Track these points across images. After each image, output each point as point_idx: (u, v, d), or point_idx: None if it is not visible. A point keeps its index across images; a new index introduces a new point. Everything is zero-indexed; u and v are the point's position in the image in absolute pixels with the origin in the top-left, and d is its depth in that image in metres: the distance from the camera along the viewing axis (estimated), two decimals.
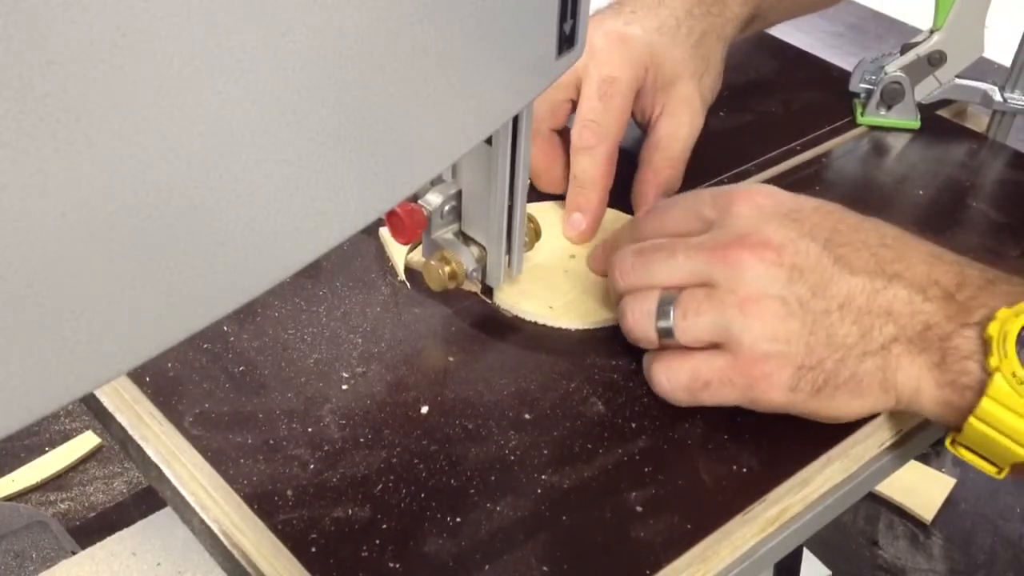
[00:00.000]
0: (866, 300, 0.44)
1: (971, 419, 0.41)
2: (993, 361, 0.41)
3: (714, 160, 0.64)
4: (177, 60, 0.26)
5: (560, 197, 0.59)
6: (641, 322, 0.47)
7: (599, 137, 0.56)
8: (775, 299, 0.44)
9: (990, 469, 0.43)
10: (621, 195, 0.59)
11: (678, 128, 0.59)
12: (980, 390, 0.41)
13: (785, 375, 0.44)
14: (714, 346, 0.45)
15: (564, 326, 0.52)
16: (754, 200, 0.47)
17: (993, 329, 0.41)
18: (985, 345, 0.41)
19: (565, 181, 0.58)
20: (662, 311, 0.46)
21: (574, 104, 0.58)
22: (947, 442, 0.44)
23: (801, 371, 0.44)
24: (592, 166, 0.56)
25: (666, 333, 0.46)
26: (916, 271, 0.44)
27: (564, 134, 0.60)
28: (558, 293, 0.54)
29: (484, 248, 0.51)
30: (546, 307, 0.53)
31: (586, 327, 0.52)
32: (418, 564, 0.41)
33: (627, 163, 0.59)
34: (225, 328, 0.51)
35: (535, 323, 0.52)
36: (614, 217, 0.59)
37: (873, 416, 0.47)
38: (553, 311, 0.52)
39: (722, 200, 0.48)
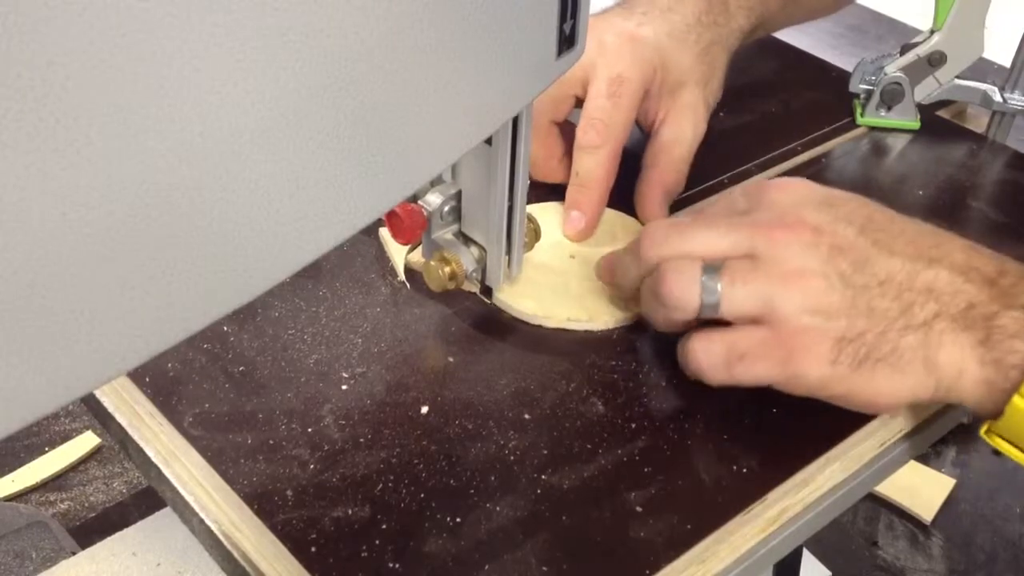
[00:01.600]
0: (907, 278, 0.44)
1: (1015, 398, 0.41)
2: None
3: (714, 160, 0.64)
4: (177, 60, 0.26)
5: (561, 196, 0.59)
6: (686, 288, 0.45)
7: (604, 137, 0.56)
8: (816, 274, 0.44)
9: None
10: (622, 196, 0.59)
11: (682, 133, 0.59)
12: None
13: (825, 347, 0.43)
14: (753, 323, 0.45)
15: (565, 326, 0.52)
16: (787, 189, 0.47)
17: None
18: None
19: (561, 172, 0.58)
20: (707, 283, 0.45)
21: (578, 100, 0.58)
22: (982, 430, 0.43)
23: (841, 344, 0.43)
24: (595, 166, 0.56)
25: (710, 305, 0.45)
26: (955, 257, 0.44)
27: (563, 126, 0.60)
28: (558, 294, 0.54)
29: (484, 248, 0.51)
30: (545, 308, 0.53)
31: (587, 328, 0.52)
32: (418, 564, 0.41)
33: (627, 164, 0.59)
34: (225, 328, 0.51)
35: (535, 324, 0.52)
36: (613, 217, 0.59)
37: (873, 417, 0.47)
38: (552, 312, 0.52)
39: (754, 191, 0.48)
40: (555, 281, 0.55)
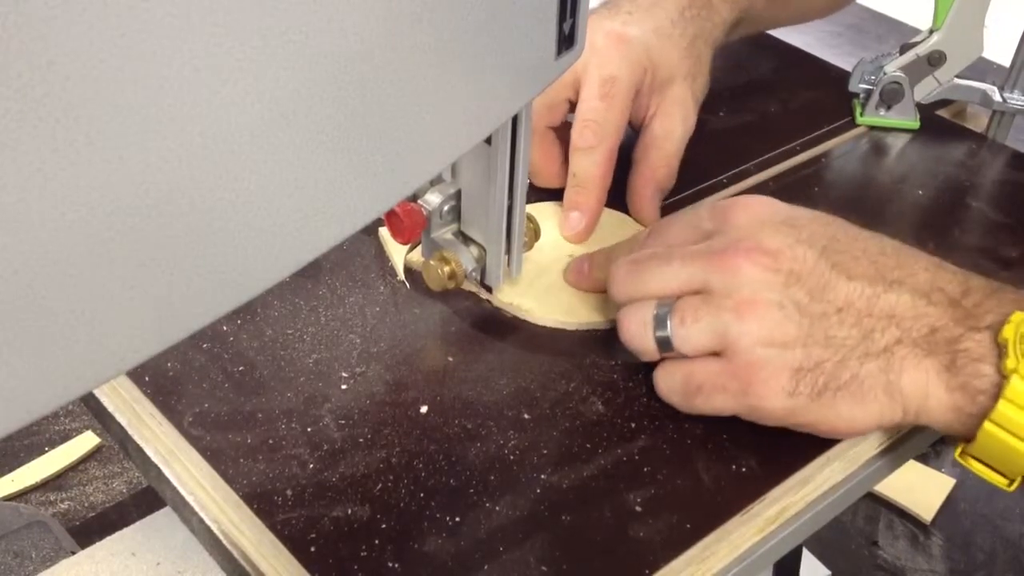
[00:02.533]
0: (866, 304, 0.43)
1: (986, 424, 0.40)
2: (1010, 363, 0.40)
3: (714, 160, 0.64)
4: (177, 60, 0.26)
5: (561, 198, 0.59)
6: (638, 333, 0.46)
7: (599, 137, 0.56)
8: (771, 303, 0.43)
9: (1000, 481, 0.42)
10: (618, 195, 0.59)
11: (673, 128, 0.59)
12: (995, 394, 0.40)
13: (782, 379, 0.43)
14: (713, 355, 0.45)
15: (565, 326, 0.52)
16: (750, 209, 0.47)
17: (1008, 332, 0.40)
18: (999, 348, 0.41)
19: (563, 176, 0.58)
20: (659, 321, 0.45)
21: (571, 103, 0.58)
22: (956, 453, 0.43)
23: (799, 374, 0.43)
24: (592, 166, 0.56)
25: (664, 343, 0.45)
26: (918, 278, 0.44)
27: (559, 130, 0.60)
28: (559, 293, 0.54)
29: (484, 248, 0.51)
30: (547, 307, 0.53)
31: (585, 327, 0.52)
32: (418, 564, 0.41)
33: (623, 162, 0.59)
34: (225, 328, 0.51)
35: (534, 323, 0.52)
36: (614, 218, 0.59)
37: None
38: (552, 311, 0.52)
39: (718, 211, 0.48)
40: (555, 281, 0.55)
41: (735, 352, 0.44)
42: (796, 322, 0.43)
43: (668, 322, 0.45)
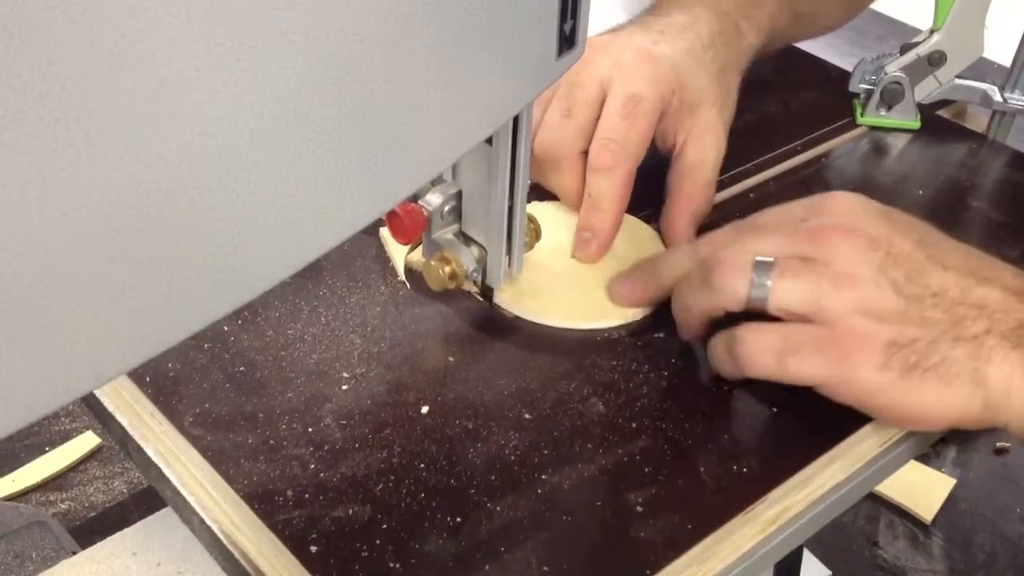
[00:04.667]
0: (959, 293, 0.44)
1: None
2: None
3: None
4: (177, 60, 0.26)
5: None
6: (736, 275, 0.46)
7: (618, 159, 0.54)
8: (868, 279, 0.44)
9: None
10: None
11: (706, 155, 0.58)
12: None
13: (876, 350, 0.43)
14: (803, 320, 0.45)
15: (565, 326, 0.52)
16: (849, 199, 0.48)
17: None
18: None
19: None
20: (760, 269, 0.45)
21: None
22: None
23: (892, 348, 0.43)
24: (609, 188, 0.54)
25: (758, 297, 0.45)
26: (1007, 279, 0.45)
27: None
28: (559, 293, 0.54)
29: (484, 248, 0.51)
30: (547, 307, 0.53)
31: (587, 327, 0.52)
32: (418, 564, 0.41)
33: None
34: (225, 328, 0.51)
35: (535, 323, 0.52)
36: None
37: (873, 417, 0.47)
38: (554, 311, 0.52)
39: (815, 201, 0.49)
40: (556, 281, 0.55)
41: (831, 319, 0.44)
42: (892, 299, 0.44)
43: (767, 277, 0.45)
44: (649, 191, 0.58)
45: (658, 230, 0.58)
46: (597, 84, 0.55)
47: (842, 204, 0.48)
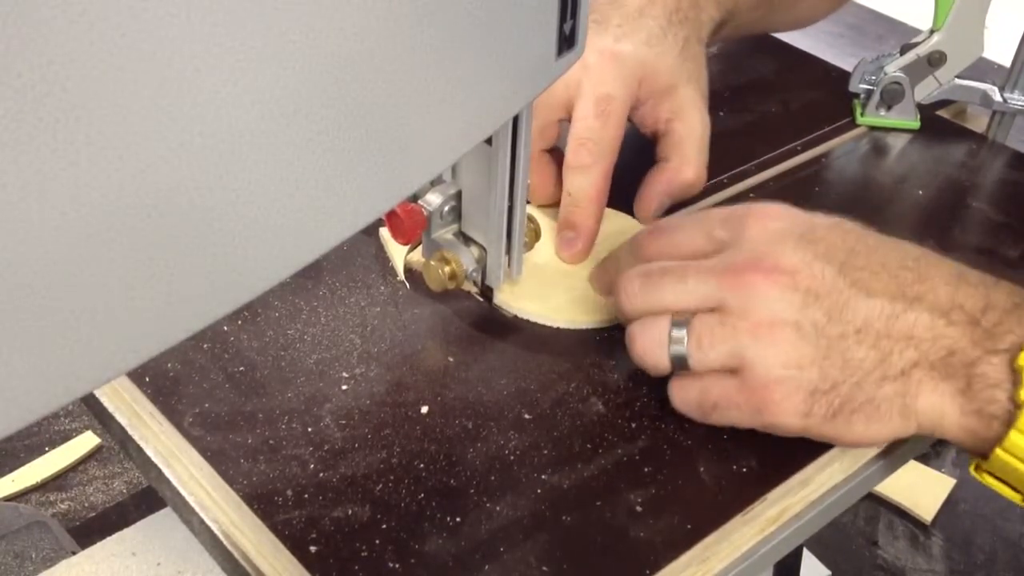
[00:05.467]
0: (884, 324, 0.43)
1: (998, 450, 0.40)
2: (1022, 394, 0.40)
3: (714, 160, 0.64)
4: (177, 60, 0.26)
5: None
6: (652, 351, 0.45)
7: (595, 156, 0.55)
8: (788, 324, 0.43)
9: (1015, 496, 0.42)
10: (624, 200, 0.58)
11: (693, 128, 0.58)
12: (1008, 420, 0.40)
13: (797, 400, 0.43)
14: (728, 370, 0.44)
15: (565, 326, 0.52)
16: (766, 221, 0.46)
17: (1023, 360, 0.40)
18: (1014, 375, 0.40)
19: (559, 195, 0.57)
20: (675, 340, 0.45)
21: (562, 124, 0.58)
22: (971, 468, 0.43)
23: (814, 396, 0.43)
24: (588, 185, 0.55)
25: (679, 362, 0.45)
26: (939, 293, 0.43)
27: (553, 151, 0.59)
28: (559, 293, 0.54)
29: (484, 248, 0.51)
30: (547, 307, 0.53)
31: (587, 327, 0.52)
32: (418, 564, 0.41)
33: (626, 173, 0.58)
34: (225, 328, 0.51)
35: (535, 323, 0.52)
36: (613, 217, 0.59)
37: None
38: (554, 311, 0.52)
39: (733, 221, 0.47)
40: (556, 281, 0.55)
41: (751, 373, 0.43)
42: (813, 344, 0.43)
43: (684, 341, 0.44)
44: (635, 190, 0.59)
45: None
46: (563, 86, 0.55)
47: (760, 225, 0.46)
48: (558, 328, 0.52)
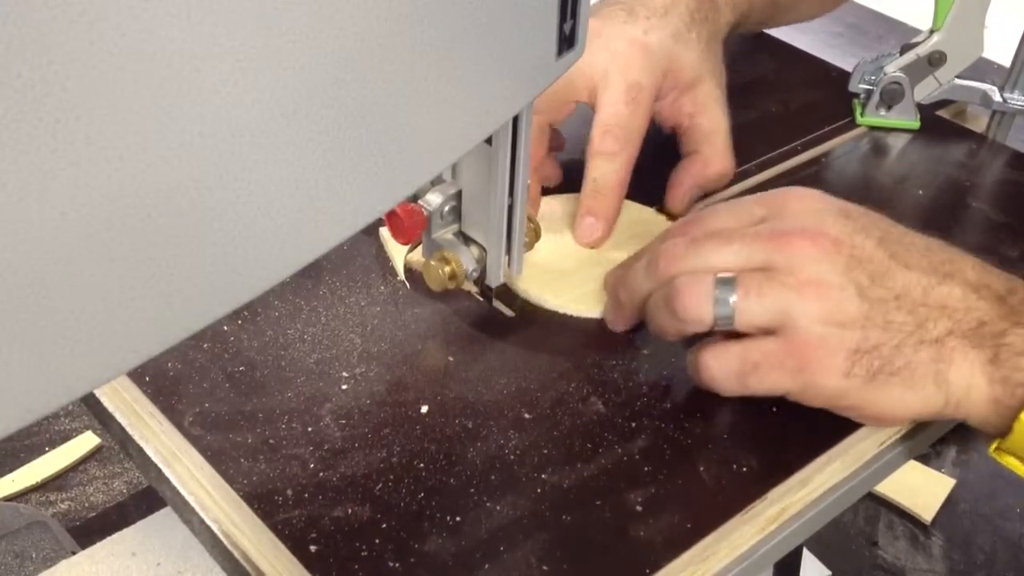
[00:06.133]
0: (922, 293, 0.44)
1: (1022, 415, 0.41)
2: None
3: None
4: (177, 60, 0.26)
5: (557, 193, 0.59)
6: (699, 303, 0.45)
7: (622, 143, 0.56)
8: (833, 284, 0.44)
9: None
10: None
11: (718, 123, 0.59)
12: None
13: (839, 358, 0.43)
14: (767, 333, 0.45)
15: (590, 316, 0.53)
16: (805, 199, 0.48)
17: None
18: None
19: (537, 175, 0.58)
20: (722, 293, 0.45)
21: (576, 107, 0.58)
22: (991, 449, 0.44)
23: (856, 355, 0.43)
24: (612, 172, 0.56)
25: (723, 317, 0.45)
26: (967, 274, 0.45)
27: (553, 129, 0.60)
28: (580, 283, 0.54)
29: (484, 248, 0.51)
30: (570, 298, 0.53)
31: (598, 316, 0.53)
32: (418, 563, 0.41)
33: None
34: (225, 328, 0.51)
35: (534, 322, 0.52)
36: (637, 212, 0.59)
37: None
38: (578, 302, 0.53)
39: (772, 199, 0.48)
40: (577, 271, 0.55)
41: (794, 330, 0.44)
42: (857, 304, 0.44)
43: (730, 296, 0.45)
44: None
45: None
46: (587, 69, 0.56)
47: (800, 203, 0.47)
48: (559, 328, 0.52)
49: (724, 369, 0.46)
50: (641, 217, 0.59)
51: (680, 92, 0.59)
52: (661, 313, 0.47)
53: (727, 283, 0.45)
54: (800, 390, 0.45)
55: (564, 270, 0.55)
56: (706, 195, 0.61)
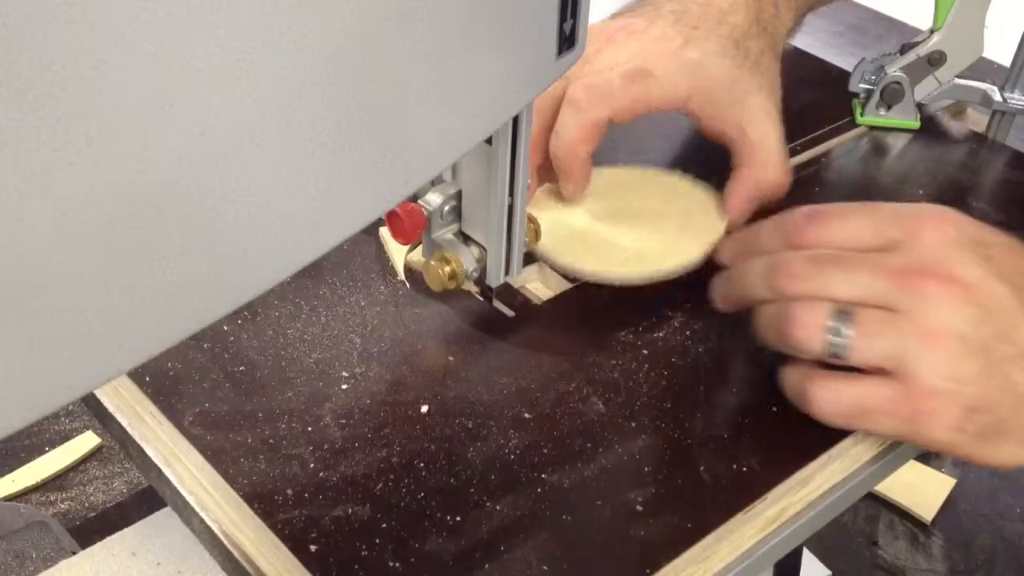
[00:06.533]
0: None
1: None
2: None
3: (715, 160, 0.64)
4: (177, 60, 0.26)
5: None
6: (812, 334, 0.44)
7: (593, 103, 0.53)
8: (956, 336, 0.42)
9: None
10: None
11: (768, 133, 0.57)
12: None
13: (953, 414, 0.42)
14: (879, 372, 0.44)
15: (629, 278, 0.53)
16: (943, 227, 0.45)
17: None
18: None
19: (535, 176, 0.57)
20: (831, 328, 0.44)
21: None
22: None
23: (970, 413, 0.42)
24: (573, 126, 0.53)
25: (836, 350, 0.44)
26: None
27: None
28: (614, 251, 0.55)
29: (484, 248, 0.51)
30: (607, 263, 0.54)
31: (645, 280, 0.53)
32: (418, 563, 0.41)
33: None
34: (225, 328, 0.51)
35: (534, 319, 0.52)
36: (663, 176, 0.60)
37: None
38: (622, 265, 0.54)
39: (907, 221, 0.46)
40: (606, 240, 0.56)
41: (912, 379, 0.42)
42: (978, 360, 0.42)
43: (846, 329, 0.43)
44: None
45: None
46: (634, 97, 0.54)
47: (935, 233, 0.45)
48: (559, 328, 0.52)
49: (834, 408, 0.45)
50: (674, 188, 0.59)
51: (723, 108, 0.56)
52: (770, 329, 0.46)
53: (844, 316, 0.44)
54: (909, 436, 0.44)
55: (601, 235, 0.55)
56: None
